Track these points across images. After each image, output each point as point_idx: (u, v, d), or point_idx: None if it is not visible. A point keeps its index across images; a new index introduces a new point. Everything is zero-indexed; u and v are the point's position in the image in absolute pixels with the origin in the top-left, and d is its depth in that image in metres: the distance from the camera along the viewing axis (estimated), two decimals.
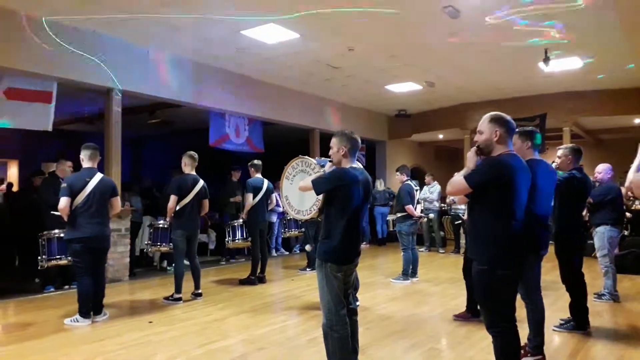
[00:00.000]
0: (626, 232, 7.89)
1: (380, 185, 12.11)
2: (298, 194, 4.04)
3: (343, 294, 3.26)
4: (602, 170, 5.73)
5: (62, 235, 5.34)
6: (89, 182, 4.96)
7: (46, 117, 6.81)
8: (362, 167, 3.56)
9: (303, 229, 8.56)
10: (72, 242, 4.96)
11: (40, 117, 6.78)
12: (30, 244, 6.48)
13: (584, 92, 10.76)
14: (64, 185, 4.96)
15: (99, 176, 5.07)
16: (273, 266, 8.83)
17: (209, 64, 8.65)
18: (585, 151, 4.79)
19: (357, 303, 3.89)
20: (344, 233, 3.21)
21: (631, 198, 8.21)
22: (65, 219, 4.93)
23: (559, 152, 4.64)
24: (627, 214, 6.83)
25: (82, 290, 4.93)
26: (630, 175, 3.07)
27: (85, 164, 5.09)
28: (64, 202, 4.85)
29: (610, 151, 12.81)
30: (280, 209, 9.69)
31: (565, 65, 8.74)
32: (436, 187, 10.55)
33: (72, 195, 4.89)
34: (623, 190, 5.99)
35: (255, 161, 7.28)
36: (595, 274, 6.38)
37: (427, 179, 10.78)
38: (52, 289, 6.54)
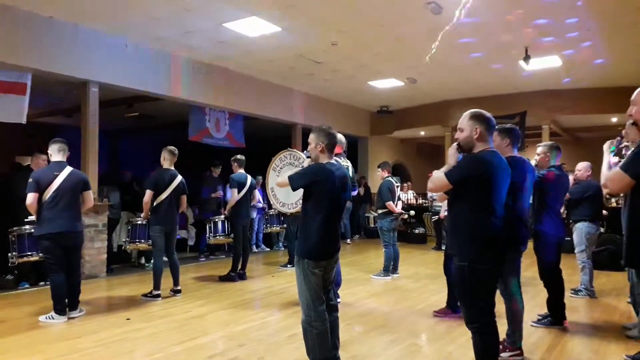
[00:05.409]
0: (602, 229, 8.03)
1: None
2: None
3: (322, 290, 3.24)
4: (581, 168, 5.84)
5: (32, 231, 5.19)
6: (57, 175, 4.82)
7: (20, 109, 6.64)
8: (343, 162, 3.52)
9: (285, 225, 8.52)
10: (41, 239, 4.83)
11: (14, 109, 6.61)
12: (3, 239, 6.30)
13: (562, 90, 10.90)
14: (30, 180, 4.79)
15: (68, 170, 4.91)
16: (254, 262, 8.77)
17: (189, 56, 8.52)
18: (563, 149, 4.85)
19: (339, 299, 3.88)
20: (321, 229, 3.19)
21: (607, 196, 8.35)
22: (34, 215, 4.80)
23: (538, 150, 4.70)
24: (604, 212, 6.94)
25: (54, 287, 4.82)
26: (604, 171, 3.13)
27: (54, 157, 4.94)
28: (30, 198, 4.71)
29: (588, 149, 12.97)
30: (260, 205, 9.66)
31: (545, 64, 8.84)
32: None
33: (40, 190, 4.74)
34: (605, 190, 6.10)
35: (239, 156, 7.21)
36: (572, 270, 6.48)
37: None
38: (26, 285, 6.40)
